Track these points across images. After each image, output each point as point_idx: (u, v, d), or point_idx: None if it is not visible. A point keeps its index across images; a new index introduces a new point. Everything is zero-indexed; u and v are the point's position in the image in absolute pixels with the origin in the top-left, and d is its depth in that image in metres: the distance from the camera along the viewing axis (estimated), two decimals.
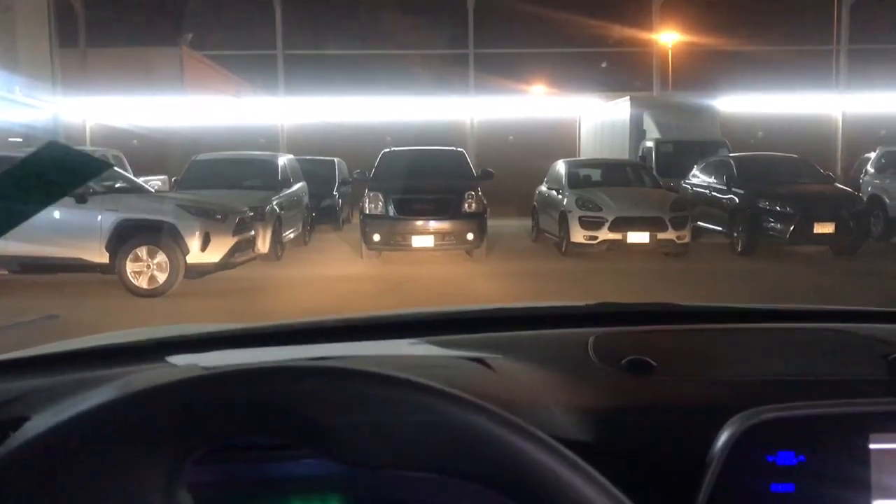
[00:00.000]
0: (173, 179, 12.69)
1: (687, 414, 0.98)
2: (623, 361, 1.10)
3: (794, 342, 1.29)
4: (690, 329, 1.39)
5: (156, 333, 1.38)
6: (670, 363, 1.13)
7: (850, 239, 11.70)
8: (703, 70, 24.57)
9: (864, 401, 0.93)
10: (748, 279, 10.09)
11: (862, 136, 20.43)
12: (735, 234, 12.13)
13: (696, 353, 1.26)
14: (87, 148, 14.52)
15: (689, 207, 12.12)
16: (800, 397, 0.95)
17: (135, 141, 20.60)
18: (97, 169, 0.89)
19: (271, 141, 21.27)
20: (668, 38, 23.64)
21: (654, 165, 15.39)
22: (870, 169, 14.85)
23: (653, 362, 1.09)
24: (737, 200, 12.20)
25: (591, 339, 1.21)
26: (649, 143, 16.35)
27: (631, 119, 17.38)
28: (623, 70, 24.25)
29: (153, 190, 10.23)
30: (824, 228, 11.46)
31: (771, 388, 1.05)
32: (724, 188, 12.64)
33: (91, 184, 8.73)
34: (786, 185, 12.20)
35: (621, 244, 11.29)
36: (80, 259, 8.29)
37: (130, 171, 13.13)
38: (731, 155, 14.04)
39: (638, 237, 11.18)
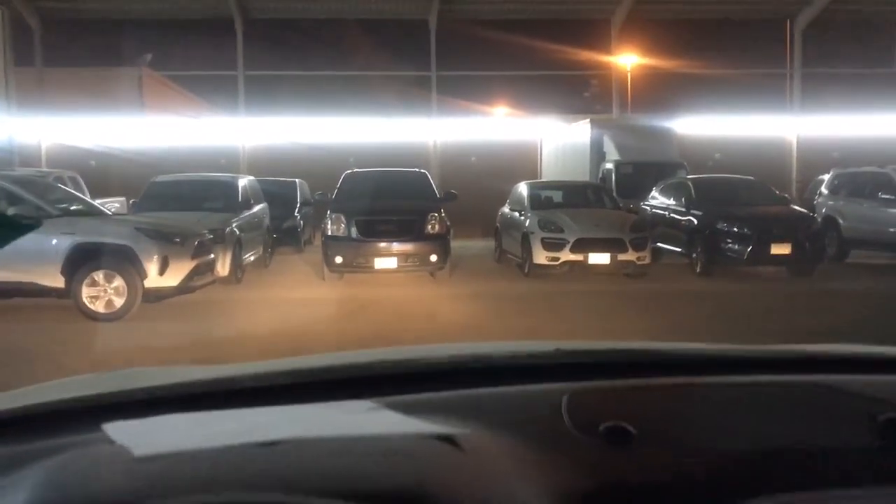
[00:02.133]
0: (131, 201, 12.49)
1: (671, 497, 0.93)
2: (601, 428, 1.05)
3: (778, 401, 1.23)
4: (669, 384, 1.29)
5: (97, 385, 1.31)
6: (650, 429, 1.07)
7: (807, 259, 11.93)
8: (661, 93, 25.01)
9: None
10: (706, 300, 10.22)
11: (816, 158, 20.90)
12: (694, 255, 12.29)
13: (676, 416, 1.18)
14: (43, 170, 14.27)
15: (648, 229, 12.26)
16: (791, 475, 0.92)
17: (92, 162, 20.28)
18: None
19: (232, 162, 21.11)
20: (627, 61, 24.03)
21: (614, 187, 15.55)
22: (824, 191, 15.17)
23: (632, 429, 1.04)
24: (695, 222, 12.38)
25: (564, 400, 1.15)
26: (609, 165, 16.53)
27: (591, 141, 17.56)
28: (583, 93, 24.59)
29: (111, 212, 10.05)
30: (781, 249, 11.67)
31: (759, 463, 1.00)
32: (683, 210, 12.82)
33: (46, 207, 8.58)
34: (743, 206, 12.40)
35: (583, 265, 11.38)
36: (35, 283, 8.11)
37: (87, 192, 12.92)
38: (689, 177, 14.25)
39: (599, 258, 11.27)
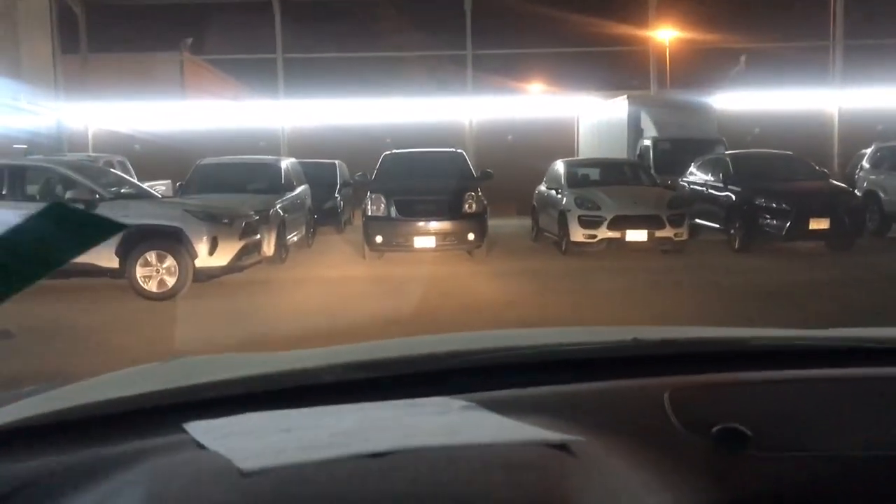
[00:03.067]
0: (177, 184, 12.86)
1: None
2: (713, 430, 0.99)
3: (885, 396, 1.16)
4: (776, 379, 1.22)
5: (158, 377, 1.30)
6: (765, 432, 1.01)
7: (845, 234, 11.89)
8: (700, 67, 24.76)
9: None
10: (744, 275, 10.27)
11: (859, 131, 20.57)
12: (732, 231, 12.32)
13: (789, 416, 1.09)
14: (93, 154, 14.72)
15: (686, 205, 12.31)
16: None
17: (137, 146, 20.79)
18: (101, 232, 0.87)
19: (272, 144, 21.45)
20: (665, 36, 23.82)
21: (651, 163, 15.57)
22: (865, 164, 15.01)
23: (747, 431, 0.99)
24: (733, 198, 12.39)
25: (666, 398, 1.10)
26: (647, 142, 16.53)
27: (629, 118, 17.55)
28: (621, 69, 24.45)
29: (159, 195, 10.40)
30: (819, 224, 11.65)
31: (884, 467, 0.95)
32: (721, 185, 12.83)
33: (100, 190, 8.94)
34: (781, 182, 12.39)
35: (620, 242, 11.48)
36: (91, 264, 8.45)
37: (134, 176, 13.32)
38: (727, 153, 14.21)
39: (636, 235, 11.37)
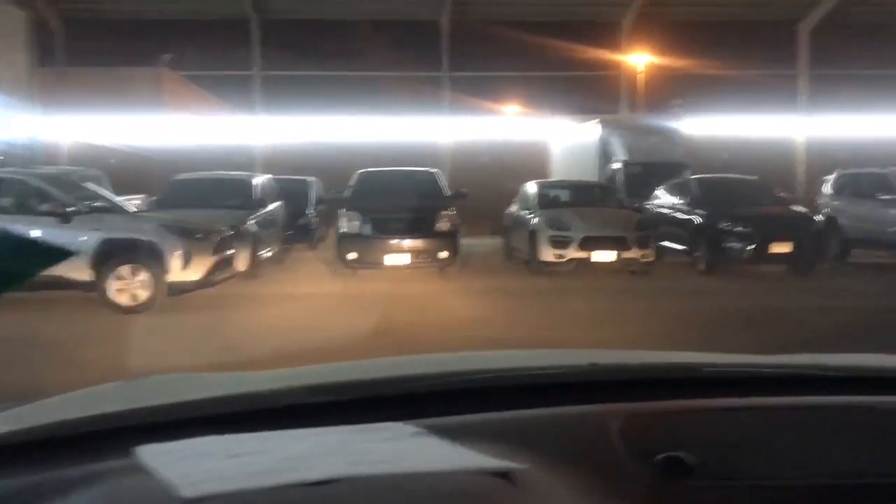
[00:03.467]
0: (152, 199, 12.94)
1: None
2: (657, 459, 1.01)
3: (842, 425, 1.18)
4: (721, 407, 1.24)
5: (120, 397, 1.32)
6: (710, 460, 1.02)
7: (806, 259, 12.25)
8: (670, 94, 25.30)
9: None
10: (706, 297, 10.55)
11: (824, 159, 21.11)
12: (697, 254, 12.64)
13: (735, 444, 1.11)
14: (69, 168, 14.74)
15: (652, 227, 12.61)
16: None
17: (112, 160, 20.77)
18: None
19: (248, 160, 21.57)
20: (637, 62, 24.33)
21: (621, 186, 15.93)
22: (827, 191, 15.46)
23: (690, 461, 1.00)
24: (698, 221, 12.72)
25: (615, 425, 1.12)
26: (617, 165, 16.89)
27: (599, 141, 17.91)
28: (593, 93, 24.88)
29: (134, 209, 10.50)
30: (781, 248, 12.00)
31: (832, 497, 0.98)
32: (687, 209, 13.17)
33: (75, 203, 9.03)
34: (745, 206, 12.73)
35: (588, 262, 11.74)
36: (65, 277, 8.51)
37: (110, 190, 13.37)
38: (693, 177, 14.57)
39: (604, 256, 11.63)
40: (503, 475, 0.95)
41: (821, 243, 12.77)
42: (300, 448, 1.01)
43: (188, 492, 0.87)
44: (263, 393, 1.28)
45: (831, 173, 16.03)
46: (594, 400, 1.24)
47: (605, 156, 17.68)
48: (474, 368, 1.42)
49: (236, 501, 0.86)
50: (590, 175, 17.57)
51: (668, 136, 18.24)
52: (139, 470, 0.96)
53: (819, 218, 14.51)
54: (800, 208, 13.59)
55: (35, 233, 8.44)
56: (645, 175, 16.10)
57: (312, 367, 1.52)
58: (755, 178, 14.33)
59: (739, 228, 12.15)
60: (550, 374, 1.41)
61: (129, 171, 19.28)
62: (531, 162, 21.52)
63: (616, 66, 23.98)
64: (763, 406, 1.24)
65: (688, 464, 1.00)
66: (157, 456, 0.99)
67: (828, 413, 1.22)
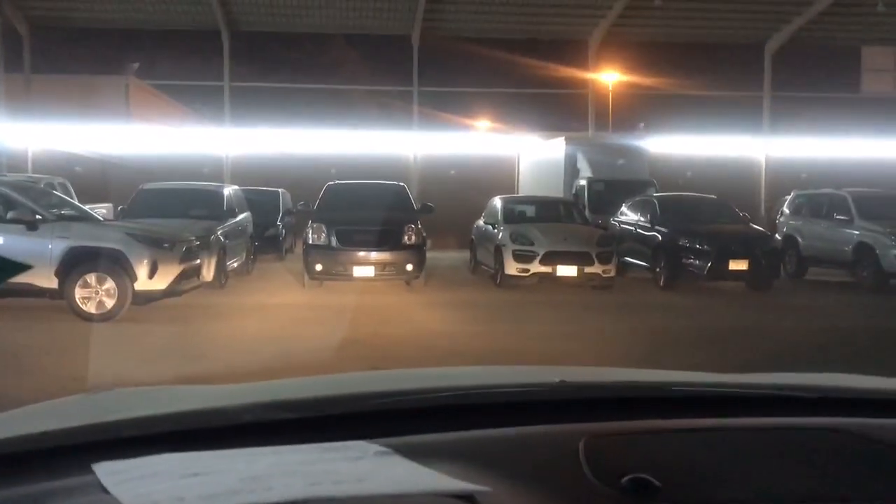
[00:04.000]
0: (119, 208, 12.93)
1: None
2: (623, 480, 1.01)
3: (797, 447, 1.20)
4: (688, 428, 1.25)
5: (82, 411, 1.31)
6: (675, 481, 1.03)
7: (763, 276, 12.58)
8: (636, 112, 25.80)
9: None
10: (667, 312, 10.83)
11: (785, 178, 21.64)
12: (658, 270, 12.92)
13: (700, 465, 1.12)
14: (35, 175, 14.67)
15: (614, 243, 12.89)
16: None
17: (78, 168, 20.66)
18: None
19: (216, 171, 21.54)
20: (604, 80, 24.76)
21: (586, 203, 16.23)
22: (785, 210, 15.89)
23: (656, 482, 1.00)
24: (659, 238, 13.02)
25: (581, 445, 1.11)
26: (582, 182, 17.19)
27: (566, 158, 18.19)
28: (561, 111, 25.29)
29: (101, 218, 10.50)
30: (739, 265, 12.33)
31: None
32: (649, 226, 13.47)
33: (42, 211, 9.04)
34: (704, 224, 13.06)
35: (551, 277, 11.96)
36: (30, 284, 8.51)
37: (76, 198, 13.34)
38: (655, 195, 14.89)
39: (567, 270, 11.87)
40: (467, 498, 0.94)
41: (777, 261, 13.14)
42: (259, 467, 1.00)
43: None
44: (224, 409, 1.26)
45: (790, 193, 16.49)
46: (563, 418, 1.24)
47: (571, 172, 17.97)
48: (442, 386, 1.42)
49: None
50: (556, 191, 17.84)
51: (633, 155, 18.59)
52: (96, 488, 0.95)
53: (777, 237, 14.95)
54: (757, 227, 13.96)
55: (1, 240, 8.47)
56: (609, 192, 16.39)
57: (277, 382, 1.50)
58: (714, 196, 14.68)
59: (698, 246, 12.46)
60: (518, 392, 1.41)
61: (95, 180, 19.21)
62: (499, 177, 21.79)
63: (583, 85, 24.36)
64: (729, 427, 1.25)
65: (654, 485, 0.99)
66: (115, 474, 0.98)
67: (793, 435, 1.23)
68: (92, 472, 0.99)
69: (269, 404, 1.27)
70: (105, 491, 0.94)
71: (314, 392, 1.38)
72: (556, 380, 1.37)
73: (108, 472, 0.99)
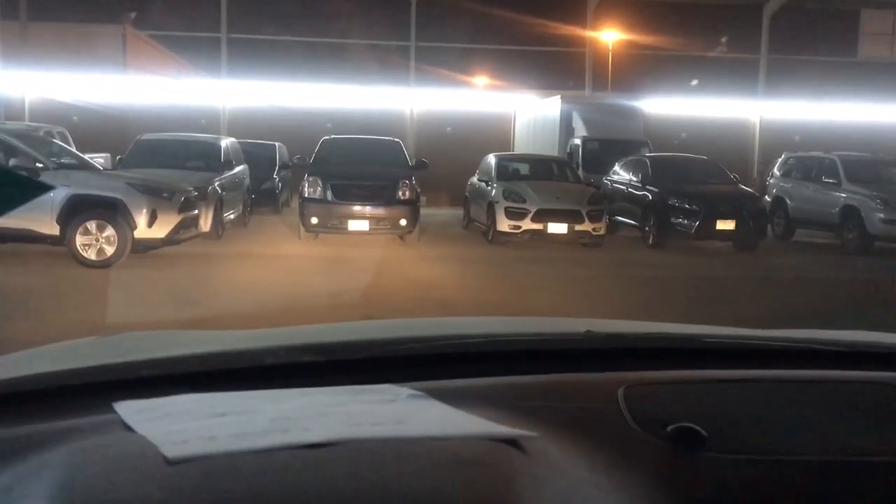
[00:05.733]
0: (117, 157, 13.07)
1: None
2: (668, 429, 0.98)
3: (837, 399, 1.17)
4: (727, 380, 1.21)
5: (95, 353, 1.29)
6: (720, 433, 1.00)
7: (750, 236, 12.84)
8: (634, 72, 25.73)
9: None
10: (654, 268, 11.11)
11: (779, 141, 21.78)
12: (647, 228, 13.18)
13: (743, 417, 1.09)
14: (34, 124, 14.77)
15: (605, 202, 13.11)
16: (883, 486, 0.90)
17: (75, 117, 20.67)
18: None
19: (212, 123, 21.58)
20: (603, 39, 24.73)
21: (580, 162, 16.39)
22: (776, 172, 16.09)
23: (702, 432, 0.97)
24: (649, 197, 13.25)
25: (620, 393, 1.08)
26: (577, 141, 17.33)
27: (561, 117, 18.32)
28: (558, 69, 25.25)
29: (100, 167, 10.67)
30: (726, 225, 12.59)
31: (846, 471, 0.96)
32: (640, 185, 13.69)
33: (43, 159, 9.21)
34: (694, 184, 13.29)
35: (542, 234, 12.21)
36: (32, 231, 8.73)
37: (74, 147, 13.47)
38: (647, 155, 15.06)
39: (557, 228, 12.11)
40: (511, 442, 0.91)
41: (764, 222, 13.39)
42: (289, 408, 0.96)
43: (172, 452, 0.82)
44: (247, 351, 1.22)
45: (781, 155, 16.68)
46: (594, 368, 1.21)
47: (566, 131, 18.11)
48: (466, 333, 1.38)
49: (224, 464, 0.81)
50: (551, 149, 17.99)
51: (628, 114, 18.71)
52: (120, 426, 0.93)
53: (766, 198, 15.19)
54: (746, 188, 14.18)
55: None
56: (603, 151, 16.55)
57: (291, 329, 1.45)
58: (705, 157, 14.86)
59: (687, 205, 12.70)
60: (547, 340, 1.38)
61: (91, 129, 19.22)
62: (495, 134, 21.90)
63: (581, 43, 24.35)
64: (767, 378, 1.22)
65: (701, 434, 0.97)
66: (138, 412, 0.95)
67: (832, 387, 1.21)
68: (112, 411, 0.96)
69: (294, 347, 1.23)
70: (128, 429, 0.91)
71: (333, 338, 1.34)
72: (582, 330, 1.33)
73: (131, 410, 0.96)
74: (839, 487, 0.92)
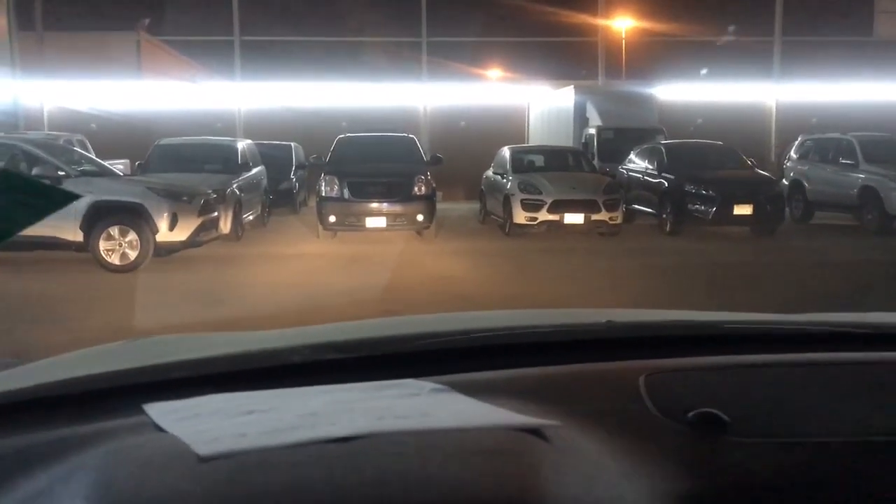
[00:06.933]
0: (137, 163, 13.25)
1: (779, 495, 0.89)
2: (690, 415, 0.99)
3: (858, 380, 1.17)
4: (747, 364, 1.22)
5: (123, 357, 1.31)
6: (742, 417, 1.00)
7: (767, 220, 12.80)
8: (647, 59, 25.65)
9: None
10: (672, 255, 11.13)
11: (796, 124, 21.61)
12: (664, 216, 13.18)
13: (765, 401, 1.09)
14: (55, 133, 14.99)
15: (621, 191, 13.13)
16: None
17: (93, 125, 20.92)
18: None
19: (228, 125, 21.77)
20: (615, 28, 24.66)
21: (595, 151, 16.40)
22: (793, 155, 16.00)
23: (725, 417, 0.98)
24: (666, 184, 13.24)
25: (642, 381, 1.10)
26: (591, 130, 17.33)
27: (575, 107, 18.31)
28: (571, 59, 25.20)
29: (120, 173, 10.83)
30: (743, 210, 12.55)
31: (872, 455, 0.95)
32: (655, 173, 13.68)
33: (65, 167, 9.38)
34: (710, 170, 13.25)
35: (559, 224, 12.25)
36: (57, 237, 8.89)
37: (94, 154, 13.67)
38: (662, 142, 15.04)
39: (574, 218, 12.14)
40: (535, 432, 0.92)
41: (781, 205, 13.33)
42: (315, 405, 0.98)
43: (204, 449, 0.85)
44: (272, 351, 1.25)
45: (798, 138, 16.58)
46: (615, 357, 1.22)
47: (580, 121, 18.10)
48: (488, 326, 1.39)
49: (254, 460, 0.83)
50: (566, 140, 17.99)
51: (642, 102, 18.66)
52: (151, 427, 0.95)
53: (783, 181, 15.12)
54: (762, 172, 14.13)
55: None
56: (618, 140, 16.51)
57: (313, 328, 1.46)
58: (720, 143, 14.82)
59: (703, 191, 12.68)
60: (568, 331, 1.39)
61: (109, 136, 19.45)
62: (510, 127, 21.90)
63: (594, 32, 24.27)
64: (788, 363, 1.22)
65: (723, 419, 0.97)
66: (168, 413, 0.98)
67: (853, 368, 1.20)
68: (142, 413, 0.99)
69: (317, 345, 1.25)
70: (159, 430, 0.94)
71: (355, 335, 1.35)
72: (603, 320, 1.34)
73: (161, 412, 0.98)
74: (864, 467, 0.91)
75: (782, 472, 0.90)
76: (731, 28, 24.52)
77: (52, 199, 0.95)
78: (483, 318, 1.56)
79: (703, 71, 23.49)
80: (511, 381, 1.12)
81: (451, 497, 0.78)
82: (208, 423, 0.92)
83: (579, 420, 0.98)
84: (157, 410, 0.98)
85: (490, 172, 14.60)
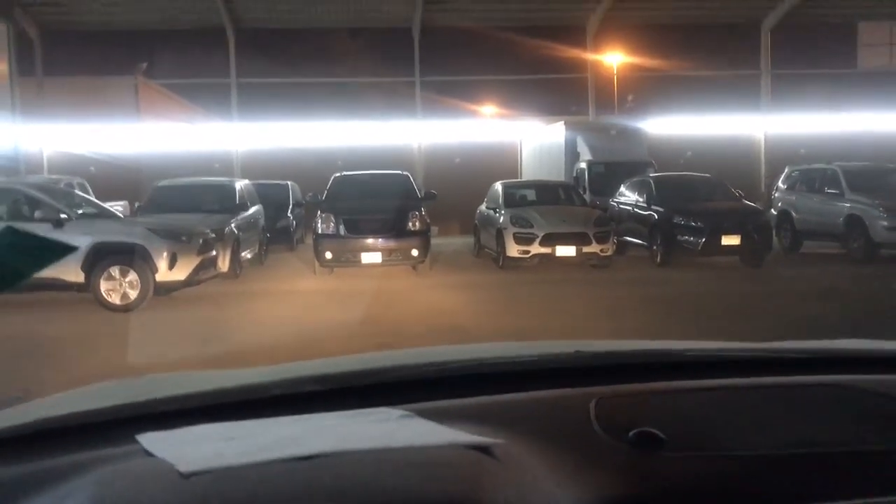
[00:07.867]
0: (136, 204, 13.48)
1: (709, 501, 0.96)
2: (630, 434, 1.07)
3: (807, 402, 1.26)
4: (694, 388, 1.31)
5: (122, 394, 1.39)
6: (679, 435, 1.08)
7: (755, 250, 13.02)
8: (637, 94, 26.15)
9: None
10: (661, 286, 11.34)
11: (784, 155, 21.93)
12: (654, 247, 13.41)
13: (705, 420, 1.19)
14: (55, 176, 15.25)
15: (611, 223, 13.38)
16: (828, 481, 0.96)
17: (92, 168, 21.24)
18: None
19: (225, 166, 22.09)
20: (605, 63, 25.14)
21: (586, 185, 16.71)
22: (781, 185, 16.28)
23: (661, 435, 1.06)
24: (655, 216, 13.49)
25: (592, 405, 1.18)
26: (582, 165, 17.65)
27: (566, 142, 18.65)
28: (561, 95, 25.67)
29: (120, 215, 11.05)
30: (731, 241, 12.78)
31: (794, 468, 1.03)
32: (645, 205, 13.94)
33: (66, 210, 9.61)
34: (698, 202, 13.52)
35: (551, 257, 12.48)
36: (59, 279, 9.07)
37: (94, 197, 13.91)
38: (651, 175, 15.31)
39: (565, 251, 12.38)
40: (480, 448, 1.01)
41: (769, 235, 13.56)
42: (291, 431, 1.08)
43: (185, 467, 0.95)
44: (255, 385, 1.34)
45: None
46: (577, 385, 1.29)
47: (571, 156, 18.41)
48: (462, 358, 1.48)
49: (229, 475, 0.94)
50: (558, 175, 18.28)
51: (632, 136, 19.01)
52: (142, 453, 1.04)
53: (771, 211, 15.39)
54: (750, 203, 14.39)
55: None
56: (608, 174, 16.81)
57: (300, 363, 1.56)
58: (708, 175, 15.10)
59: (692, 223, 12.92)
60: (534, 361, 1.47)
61: (109, 179, 19.70)
62: (502, 163, 22.23)
63: (583, 69, 24.74)
64: (732, 386, 1.31)
65: (659, 437, 1.05)
66: (158, 441, 1.07)
67: (792, 391, 1.29)
68: (135, 443, 1.07)
69: (297, 379, 1.34)
70: (149, 455, 1.03)
71: (333, 369, 1.43)
72: (572, 351, 1.44)
73: (152, 440, 1.07)
74: (781, 478, 0.99)
75: (711, 482, 0.99)
76: (718, 65, 25.00)
77: (53, 250, 1.02)
78: (460, 350, 1.66)
79: (694, 104, 23.90)
80: (476, 407, 1.21)
81: (401, 500, 0.89)
82: (193, 448, 1.02)
83: (527, 440, 1.07)
84: (149, 439, 1.08)
85: (483, 207, 14.87)
